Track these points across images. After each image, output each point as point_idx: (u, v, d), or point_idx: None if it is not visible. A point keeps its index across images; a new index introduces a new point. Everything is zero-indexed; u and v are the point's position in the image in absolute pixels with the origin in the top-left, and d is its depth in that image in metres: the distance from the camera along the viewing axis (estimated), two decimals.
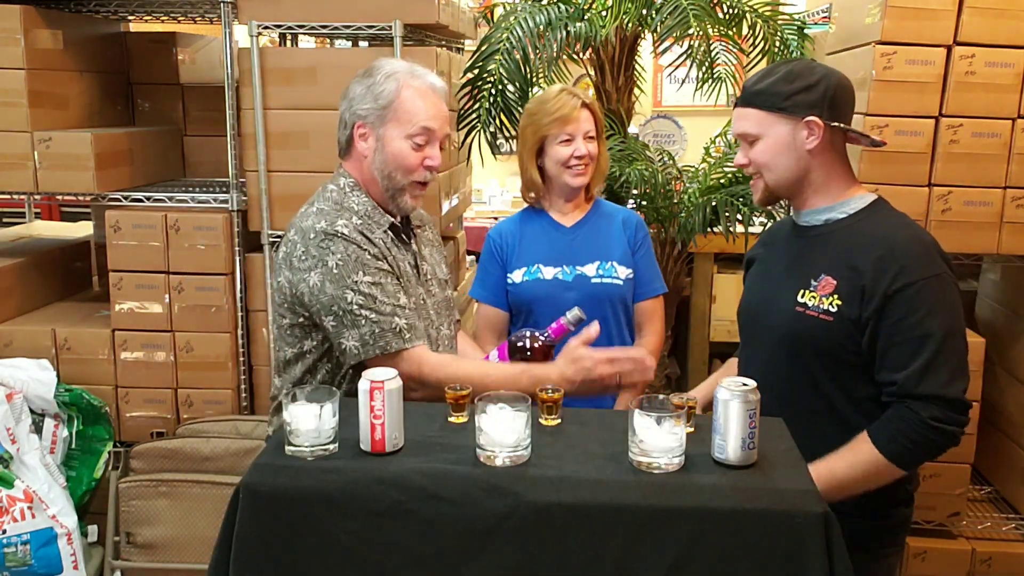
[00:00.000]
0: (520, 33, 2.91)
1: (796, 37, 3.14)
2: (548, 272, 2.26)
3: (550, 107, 2.21)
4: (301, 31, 2.88)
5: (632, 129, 4.07)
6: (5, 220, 4.89)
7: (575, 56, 3.14)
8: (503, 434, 1.37)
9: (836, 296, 1.66)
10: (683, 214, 3.17)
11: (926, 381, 1.58)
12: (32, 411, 2.67)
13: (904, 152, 2.39)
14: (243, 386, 2.90)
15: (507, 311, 2.31)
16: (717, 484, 1.33)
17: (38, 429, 2.68)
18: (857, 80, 2.29)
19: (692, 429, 1.47)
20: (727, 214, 3.01)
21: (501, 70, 2.95)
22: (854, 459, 1.63)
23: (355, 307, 1.70)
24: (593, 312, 2.20)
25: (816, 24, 3.27)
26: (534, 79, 3.06)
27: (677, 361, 4.29)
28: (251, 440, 2.74)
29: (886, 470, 1.63)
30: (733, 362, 2.03)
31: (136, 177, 3.04)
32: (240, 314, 2.85)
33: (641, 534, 1.30)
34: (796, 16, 3.25)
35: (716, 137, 3.51)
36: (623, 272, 2.27)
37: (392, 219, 1.85)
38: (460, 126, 3.06)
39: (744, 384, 1.37)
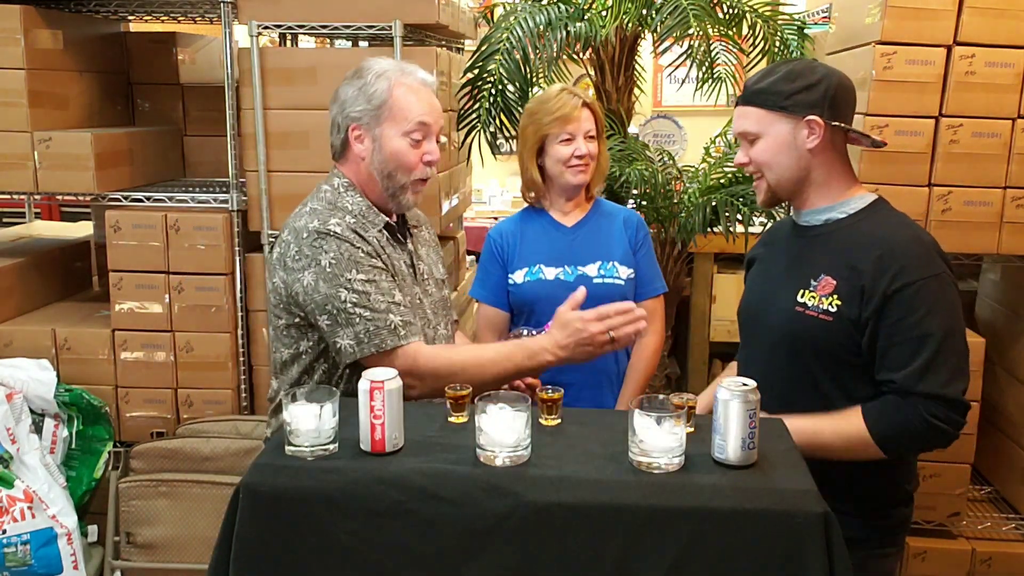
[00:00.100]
0: (520, 33, 2.91)
1: (796, 37, 3.14)
2: (550, 272, 2.26)
3: (551, 106, 2.21)
4: (301, 31, 2.87)
5: (632, 129, 4.07)
6: (5, 220, 4.89)
7: (575, 56, 3.14)
8: (503, 434, 1.37)
9: (836, 296, 1.66)
10: (683, 214, 3.17)
11: (926, 380, 1.58)
12: (32, 411, 2.67)
13: (904, 152, 2.39)
14: (243, 386, 2.90)
15: (508, 311, 2.31)
16: (717, 484, 1.33)
17: (38, 429, 2.68)
18: (857, 80, 2.29)
19: (692, 429, 1.48)
20: (727, 214, 3.02)
21: (501, 70, 2.95)
22: (841, 428, 1.63)
23: (349, 305, 1.69)
24: None
25: (816, 24, 3.27)
26: (534, 79, 3.06)
27: (677, 361, 4.29)
28: (251, 440, 2.74)
29: (869, 449, 1.62)
30: (734, 366, 2.03)
31: (136, 177, 3.04)
32: (240, 314, 2.85)
33: (641, 534, 1.30)
34: (796, 16, 3.25)
35: (716, 137, 3.51)
36: (624, 272, 2.27)
37: (387, 219, 1.85)
38: (460, 126, 3.07)
39: (744, 384, 1.37)
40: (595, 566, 1.31)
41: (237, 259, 2.82)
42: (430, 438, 1.48)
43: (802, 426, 1.61)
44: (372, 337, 1.69)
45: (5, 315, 2.95)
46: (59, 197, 3.98)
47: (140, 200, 2.89)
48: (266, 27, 2.76)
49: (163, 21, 3.45)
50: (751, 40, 3.21)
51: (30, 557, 2.54)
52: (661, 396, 1.44)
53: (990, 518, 2.72)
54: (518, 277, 2.27)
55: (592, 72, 3.40)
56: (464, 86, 3.02)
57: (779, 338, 1.75)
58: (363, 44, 3.47)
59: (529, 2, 3.15)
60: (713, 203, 3.06)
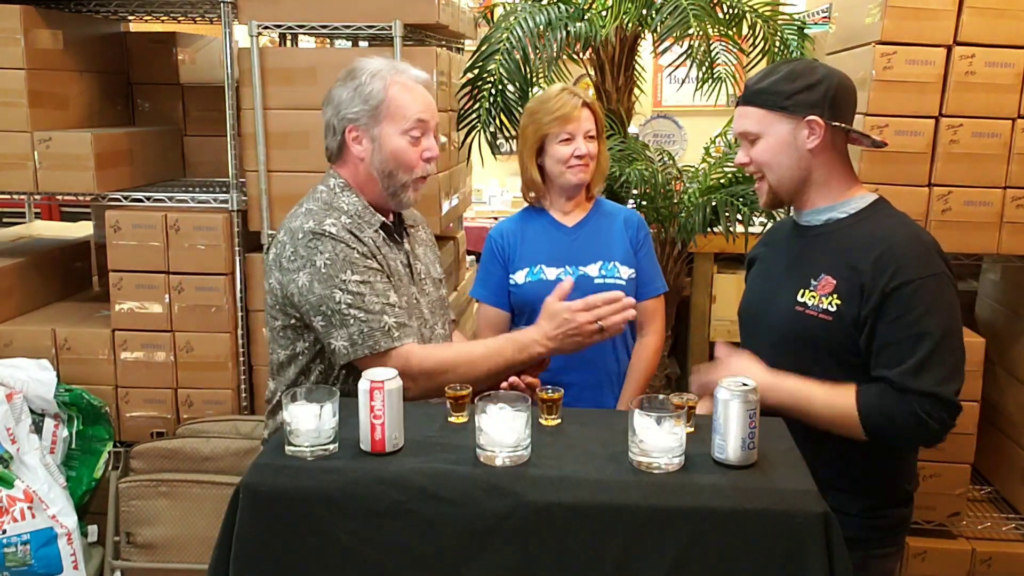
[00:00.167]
0: (520, 33, 2.91)
1: (796, 37, 3.14)
2: (551, 273, 2.26)
3: (551, 106, 2.21)
4: (301, 31, 2.88)
5: (632, 129, 4.07)
6: (5, 220, 4.89)
7: (575, 56, 3.14)
8: (503, 434, 1.37)
9: (835, 296, 1.66)
10: (683, 214, 3.17)
11: (921, 377, 1.58)
12: (32, 411, 2.67)
13: (904, 152, 2.39)
14: (243, 386, 2.90)
15: (508, 311, 2.31)
16: (717, 484, 1.33)
17: (38, 429, 2.68)
18: (857, 80, 2.29)
19: (692, 429, 1.48)
20: (727, 214, 3.02)
21: (501, 70, 2.95)
22: (833, 401, 1.63)
23: (343, 307, 1.69)
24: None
25: (816, 24, 3.27)
26: (534, 79, 3.06)
27: (677, 361, 4.29)
28: (251, 440, 2.74)
29: (853, 429, 1.62)
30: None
31: (136, 177, 3.04)
32: (240, 314, 2.85)
33: (641, 534, 1.30)
34: (796, 16, 3.25)
35: (716, 137, 3.51)
36: (625, 272, 2.27)
37: (383, 219, 1.84)
38: (460, 126, 3.07)
39: (744, 384, 1.37)
40: (595, 566, 1.31)
41: (237, 259, 2.82)
42: (430, 438, 1.48)
43: (797, 388, 1.63)
44: (366, 339, 1.69)
45: (5, 315, 2.95)
46: (59, 197, 3.98)
47: (140, 200, 2.89)
48: (266, 27, 2.76)
49: (163, 21, 3.45)
50: (751, 40, 3.21)
51: (30, 557, 2.54)
52: (661, 396, 1.43)
53: (990, 518, 2.72)
54: (519, 277, 2.27)
55: (592, 72, 3.40)
56: (464, 86, 3.02)
57: (779, 338, 1.75)
58: (363, 44, 3.47)
59: (529, 2, 3.15)
60: (713, 203, 3.06)
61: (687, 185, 3.31)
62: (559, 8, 3.02)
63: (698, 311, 4.02)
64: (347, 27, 2.75)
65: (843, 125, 1.71)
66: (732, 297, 3.92)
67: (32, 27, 2.75)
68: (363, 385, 1.40)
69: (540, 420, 1.55)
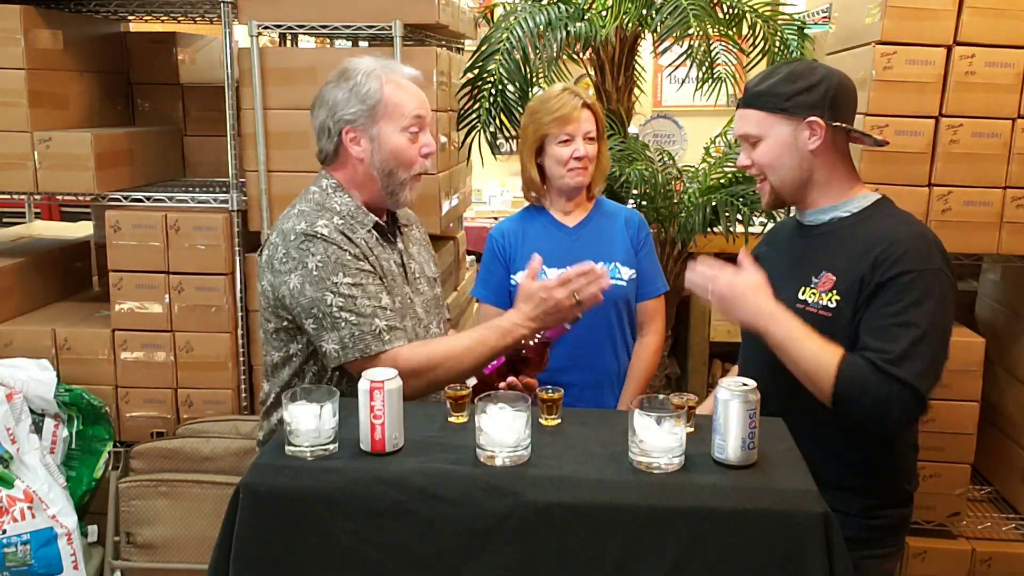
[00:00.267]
0: (520, 33, 2.92)
1: (796, 37, 3.14)
2: (552, 273, 2.25)
3: (551, 106, 2.20)
4: (301, 31, 2.88)
5: (632, 129, 4.08)
6: (5, 220, 4.89)
7: (575, 56, 3.14)
8: (503, 434, 1.37)
9: (835, 292, 1.67)
10: (683, 214, 3.17)
11: (902, 366, 1.55)
12: (32, 411, 2.67)
13: (904, 152, 2.39)
14: (243, 386, 2.90)
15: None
16: (717, 484, 1.33)
17: (38, 429, 2.68)
18: (857, 80, 2.29)
19: (692, 429, 1.48)
20: (727, 214, 3.02)
21: (501, 70, 2.95)
22: (818, 355, 1.59)
23: (335, 309, 1.69)
24: (596, 313, 2.20)
25: (816, 24, 3.27)
26: (534, 79, 3.06)
27: (677, 361, 4.29)
28: (251, 440, 2.74)
29: (823, 389, 1.59)
30: (735, 370, 2.02)
31: (136, 177, 3.04)
32: (240, 314, 2.85)
33: (641, 534, 1.30)
34: (796, 16, 3.26)
35: (716, 137, 3.51)
36: (626, 273, 2.27)
37: (376, 219, 1.84)
38: (460, 126, 3.07)
39: (744, 384, 1.37)
40: (595, 566, 1.31)
41: (237, 259, 2.83)
42: (430, 438, 1.48)
43: (796, 328, 1.61)
44: (356, 342, 1.69)
45: (5, 315, 2.95)
46: (59, 197, 3.98)
47: (140, 200, 2.89)
48: (266, 27, 2.76)
49: (163, 21, 3.45)
50: (751, 40, 3.21)
51: (30, 557, 2.54)
52: (661, 396, 1.43)
53: (990, 518, 2.72)
54: (520, 277, 2.26)
55: (592, 72, 3.40)
56: (464, 86, 3.02)
57: None
58: (363, 44, 3.47)
59: (529, 2, 3.16)
60: (713, 203, 3.06)
61: (687, 185, 3.31)
62: (559, 8, 3.02)
63: (698, 311, 4.02)
64: (347, 27, 2.75)
65: (844, 125, 1.71)
66: None
67: (32, 27, 2.75)
68: (363, 385, 1.40)
69: (540, 420, 1.55)
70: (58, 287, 3.26)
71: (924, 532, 2.63)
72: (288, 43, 3.39)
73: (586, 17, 3.04)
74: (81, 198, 3.10)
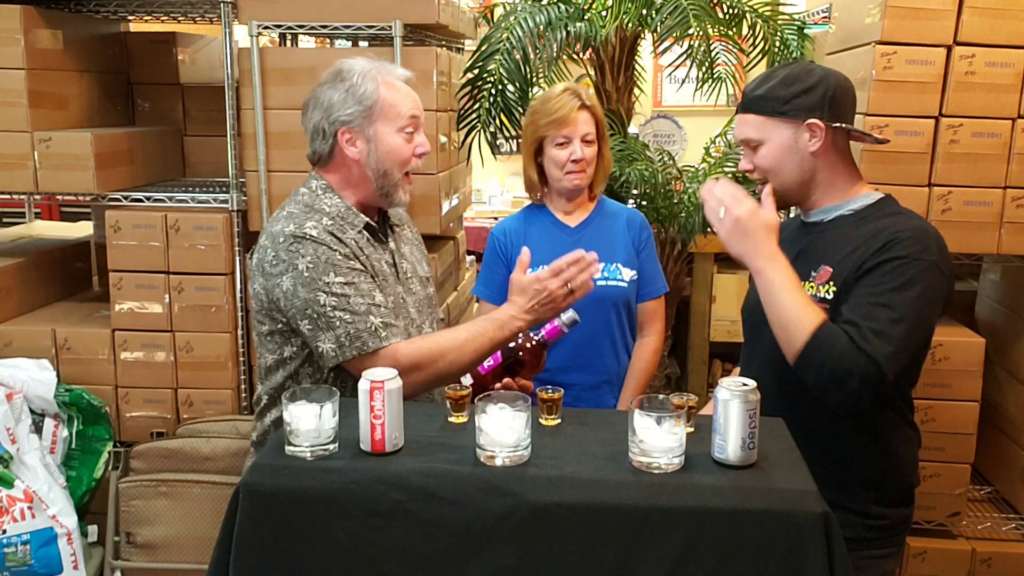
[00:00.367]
0: (520, 33, 2.92)
1: (796, 37, 3.14)
2: None
3: (549, 107, 2.20)
4: (301, 31, 2.87)
5: (632, 129, 4.07)
6: (5, 220, 4.89)
7: (575, 56, 3.14)
8: (503, 434, 1.37)
9: (832, 283, 1.67)
10: (683, 214, 3.17)
11: (872, 342, 1.54)
12: (32, 411, 2.67)
13: (904, 152, 2.39)
14: (243, 386, 2.90)
15: None
16: (717, 484, 1.33)
17: (38, 429, 2.68)
18: (857, 80, 2.29)
19: (692, 429, 1.48)
20: None
21: (501, 70, 2.95)
22: (803, 309, 1.58)
23: (329, 309, 1.69)
24: (596, 314, 2.21)
25: (816, 24, 3.27)
26: (534, 79, 3.06)
27: (677, 361, 4.29)
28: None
29: (794, 342, 1.58)
30: (737, 371, 2.02)
31: (136, 177, 3.04)
32: (240, 314, 2.85)
33: (641, 534, 1.30)
34: (796, 16, 3.26)
35: (716, 137, 3.51)
36: (627, 274, 2.26)
37: (367, 219, 1.84)
38: (460, 126, 3.07)
39: (744, 384, 1.37)
40: (595, 566, 1.31)
41: (237, 259, 2.82)
42: (430, 438, 1.48)
43: (789, 277, 1.60)
44: (353, 340, 1.69)
45: (5, 315, 2.95)
46: (59, 197, 3.98)
47: (140, 200, 2.89)
48: (266, 27, 2.76)
49: (163, 21, 3.45)
50: (751, 40, 3.21)
51: (30, 557, 2.54)
52: (661, 396, 1.43)
53: (990, 518, 2.72)
54: None
55: (592, 72, 3.40)
56: (464, 86, 3.02)
57: None
58: (363, 44, 3.46)
59: (529, 2, 3.16)
60: None
61: (687, 185, 3.31)
62: (559, 8, 3.02)
63: (698, 311, 4.02)
64: (347, 27, 2.75)
65: (844, 126, 1.71)
66: (732, 297, 3.92)
67: (32, 27, 2.75)
68: (363, 385, 1.40)
69: (540, 420, 1.55)
70: (58, 287, 3.25)
71: (924, 532, 2.63)
72: (288, 43, 3.39)
73: (586, 17, 3.04)
74: (81, 198, 3.10)
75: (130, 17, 3.33)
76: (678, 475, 1.35)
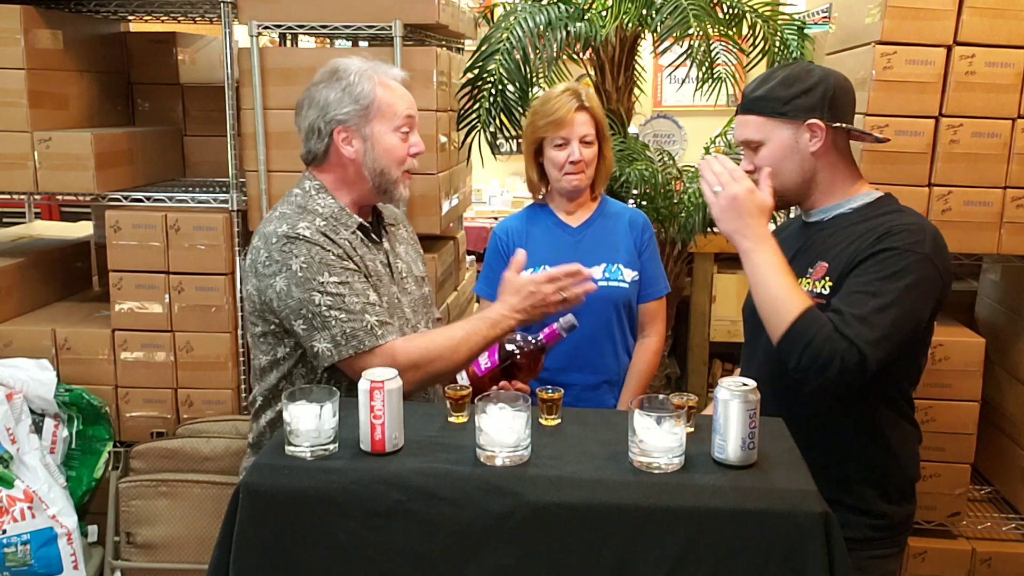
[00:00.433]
0: (520, 33, 2.92)
1: (796, 37, 3.14)
2: None
3: (548, 109, 2.20)
4: (301, 31, 2.87)
5: (632, 129, 4.08)
6: (5, 220, 4.89)
7: (575, 56, 3.14)
8: (503, 434, 1.37)
9: (828, 279, 1.67)
10: (683, 214, 3.17)
11: (855, 327, 1.53)
12: (32, 411, 2.67)
13: (904, 152, 2.39)
14: (243, 386, 2.90)
15: None
16: (717, 484, 1.33)
17: (38, 429, 2.68)
18: (857, 80, 2.29)
19: (692, 429, 1.48)
20: None
21: (501, 70, 2.95)
22: (790, 291, 1.59)
23: (324, 308, 1.69)
24: (597, 314, 2.21)
25: (816, 24, 3.27)
26: (534, 79, 3.06)
27: (677, 361, 4.29)
28: None
29: (779, 324, 1.58)
30: (739, 372, 2.02)
31: (136, 177, 3.04)
32: (240, 314, 2.85)
33: (641, 534, 1.30)
34: (796, 16, 3.26)
35: (716, 137, 3.51)
36: (629, 275, 2.26)
37: (361, 220, 1.84)
38: (460, 126, 3.07)
39: (744, 384, 1.37)
40: (595, 566, 1.31)
41: (237, 259, 2.82)
42: (430, 438, 1.48)
43: (777, 260, 1.61)
44: (349, 339, 1.69)
45: (5, 315, 2.95)
46: (59, 197, 3.98)
47: (140, 200, 2.89)
48: (266, 27, 2.76)
49: (163, 21, 3.45)
50: (751, 40, 3.21)
51: (30, 557, 2.54)
52: (661, 396, 1.43)
53: (990, 518, 2.72)
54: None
55: (592, 72, 3.40)
56: (464, 86, 3.02)
57: None
58: (363, 44, 3.47)
59: (529, 2, 3.16)
60: None
61: (687, 185, 3.31)
62: (559, 8, 3.02)
63: (698, 311, 4.02)
64: (347, 27, 2.75)
65: (844, 125, 1.71)
66: (732, 297, 3.92)
67: (32, 27, 2.75)
68: (363, 385, 1.40)
69: (540, 420, 1.55)
70: (58, 287, 3.25)
71: (924, 532, 2.63)
72: (288, 43, 3.39)
73: (586, 17, 3.04)
74: (81, 198, 3.10)
75: (130, 17, 3.33)
76: (678, 475, 1.35)
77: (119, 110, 3.30)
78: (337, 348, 1.69)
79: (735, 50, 3.19)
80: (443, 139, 2.83)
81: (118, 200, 2.89)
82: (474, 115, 3.03)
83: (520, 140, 2.38)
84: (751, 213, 1.64)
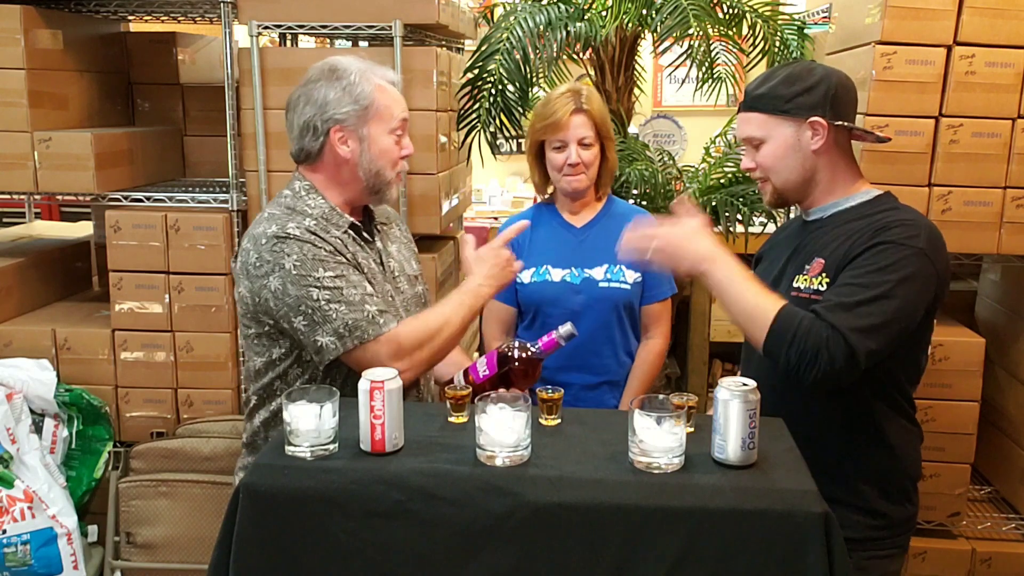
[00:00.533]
0: (520, 33, 2.92)
1: (796, 37, 3.14)
2: (556, 274, 2.25)
3: (546, 111, 2.20)
4: (301, 31, 2.88)
5: (632, 129, 4.07)
6: (5, 220, 4.89)
7: (575, 56, 3.14)
8: (503, 434, 1.37)
9: (824, 275, 1.67)
10: None
11: (842, 316, 1.53)
12: (32, 411, 2.67)
13: (904, 152, 2.39)
14: (243, 386, 2.89)
15: (515, 307, 2.31)
16: (717, 484, 1.33)
17: (38, 429, 2.68)
18: (857, 80, 2.29)
19: (692, 429, 1.48)
20: (727, 214, 3.02)
21: (501, 70, 2.95)
22: (760, 296, 1.59)
23: (323, 303, 1.68)
24: (597, 315, 2.21)
25: (816, 24, 3.27)
26: (534, 79, 3.06)
27: (677, 361, 4.29)
28: None
29: (758, 330, 1.58)
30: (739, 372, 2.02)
31: (136, 177, 3.04)
32: None
33: (641, 534, 1.30)
34: (796, 16, 3.26)
35: (716, 137, 3.51)
36: (631, 276, 2.26)
37: (352, 219, 1.84)
38: (460, 126, 3.07)
39: (744, 384, 1.37)
40: (595, 566, 1.31)
41: None
42: (430, 438, 1.48)
43: (736, 271, 1.61)
44: (352, 330, 1.69)
45: (5, 315, 2.95)
46: (59, 197, 3.98)
47: (140, 200, 2.89)
48: (266, 27, 2.76)
49: (163, 21, 3.45)
50: (751, 40, 3.21)
51: (30, 557, 2.54)
52: (661, 396, 1.43)
53: (990, 518, 2.72)
54: (525, 277, 2.27)
55: (592, 72, 3.40)
56: (464, 86, 3.02)
57: None
58: (363, 44, 3.47)
59: (529, 2, 3.16)
60: (713, 203, 3.06)
61: (687, 185, 3.31)
62: (559, 8, 3.02)
63: (698, 311, 4.02)
64: (347, 27, 2.75)
65: (846, 124, 1.71)
66: None
67: (32, 27, 2.75)
68: (363, 385, 1.40)
69: (540, 420, 1.55)
70: (58, 287, 3.25)
71: (924, 532, 2.63)
72: (288, 43, 3.39)
73: (586, 17, 3.04)
74: (81, 198, 3.10)
75: (130, 17, 3.33)
76: (678, 475, 1.35)
77: (119, 110, 3.30)
78: (341, 340, 1.69)
79: (735, 50, 3.19)
80: (443, 139, 2.83)
81: (118, 200, 2.89)
82: (474, 115, 3.04)
83: (520, 140, 2.38)
84: (682, 245, 1.65)
